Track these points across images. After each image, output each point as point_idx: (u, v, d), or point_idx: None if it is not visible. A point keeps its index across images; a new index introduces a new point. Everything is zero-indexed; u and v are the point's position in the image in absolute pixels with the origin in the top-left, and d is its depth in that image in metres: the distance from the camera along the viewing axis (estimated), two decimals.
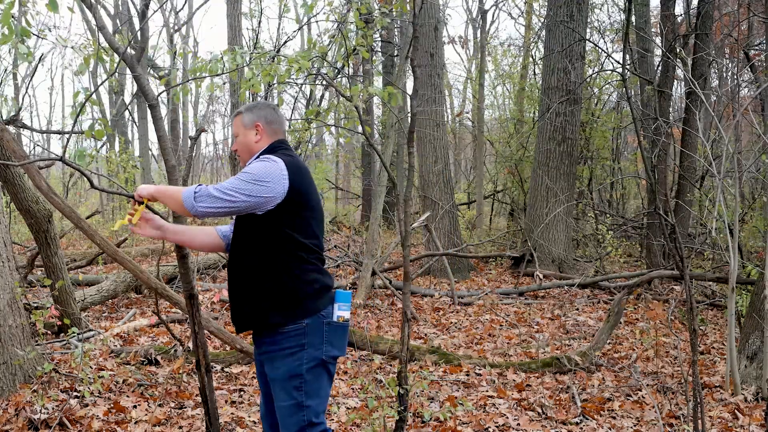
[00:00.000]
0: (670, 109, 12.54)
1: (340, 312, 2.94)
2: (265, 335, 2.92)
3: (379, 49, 15.77)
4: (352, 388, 5.41)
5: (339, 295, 2.96)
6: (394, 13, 5.16)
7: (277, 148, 3.02)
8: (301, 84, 17.49)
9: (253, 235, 2.88)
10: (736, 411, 4.89)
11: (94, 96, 3.47)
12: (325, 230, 17.17)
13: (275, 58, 4.94)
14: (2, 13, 3.07)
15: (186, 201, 2.77)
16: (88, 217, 12.48)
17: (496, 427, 4.63)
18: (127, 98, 22.94)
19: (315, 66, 5.19)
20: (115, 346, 6.35)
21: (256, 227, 2.87)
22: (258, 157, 2.98)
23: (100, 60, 3.47)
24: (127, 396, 5.00)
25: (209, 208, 2.74)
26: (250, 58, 4.64)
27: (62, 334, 6.68)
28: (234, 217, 2.95)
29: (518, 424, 4.68)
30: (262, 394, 3.12)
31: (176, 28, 22.22)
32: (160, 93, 4.12)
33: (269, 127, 3.05)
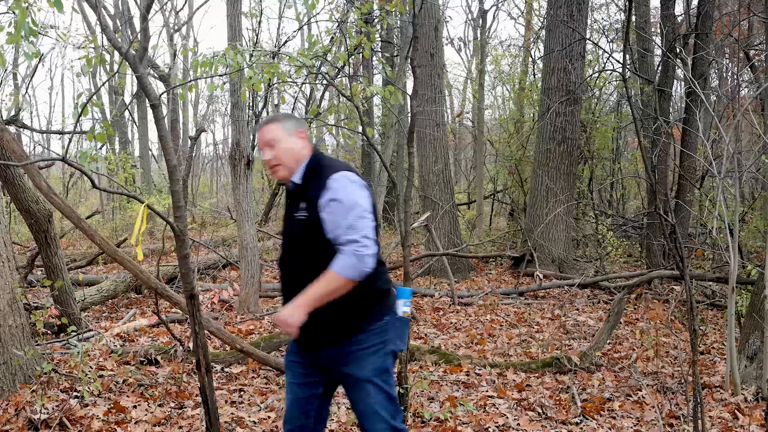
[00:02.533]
0: (670, 109, 12.54)
1: (405, 308, 3.01)
2: (343, 337, 2.90)
3: (379, 50, 15.76)
4: None
5: (402, 292, 3.02)
6: (394, 13, 5.16)
7: (323, 156, 2.97)
8: (302, 84, 17.51)
9: (323, 250, 2.81)
10: (736, 411, 4.89)
11: (95, 97, 3.47)
12: None
13: (276, 57, 4.95)
14: (19, 13, 3.07)
15: (350, 275, 2.71)
16: (88, 217, 12.50)
17: (496, 427, 4.63)
18: (127, 98, 22.94)
19: (316, 65, 5.19)
20: (115, 346, 6.35)
21: (324, 244, 2.81)
22: (313, 172, 2.89)
23: (102, 61, 3.47)
24: (127, 396, 5.00)
25: (373, 258, 2.72)
26: (251, 56, 4.64)
27: (62, 334, 6.68)
28: (300, 232, 2.87)
29: (518, 424, 4.68)
30: (294, 401, 3.03)
31: (176, 28, 22.22)
32: (162, 93, 4.12)
33: (307, 135, 3.00)
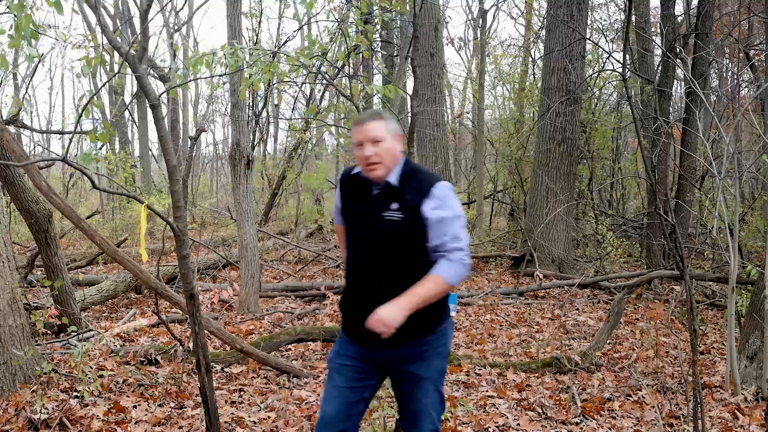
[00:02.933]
0: (671, 109, 12.54)
1: (453, 312, 3.13)
2: (416, 338, 2.94)
3: (379, 50, 15.77)
4: None
5: (451, 296, 3.08)
6: (394, 13, 5.16)
7: (413, 162, 3.03)
8: (302, 83, 17.51)
9: (414, 252, 2.89)
10: (736, 411, 4.89)
11: (95, 98, 3.47)
12: (327, 230, 17.08)
13: (275, 56, 4.94)
14: (24, 18, 3.06)
15: (455, 282, 2.84)
16: (88, 217, 12.50)
17: (496, 427, 4.63)
18: (127, 98, 22.95)
19: (315, 64, 5.19)
20: (115, 346, 6.35)
21: (413, 246, 2.89)
22: (410, 178, 2.93)
23: (102, 62, 3.47)
24: (127, 396, 5.00)
25: (469, 262, 2.89)
26: (250, 54, 4.63)
27: (62, 334, 6.68)
28: (374, 234, 2.92)
29: (518, 424, 4.68)
30: (344, 404, 2.99)
31: (176, 28, 22.22)
32: (162, 93, 4.12)
33: (402, 138, 3.03)
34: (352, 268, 3.01)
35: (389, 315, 2.74)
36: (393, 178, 2.92)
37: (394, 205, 2.88)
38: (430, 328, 2.93)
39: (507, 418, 4.78)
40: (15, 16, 3.10)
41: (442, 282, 2.80)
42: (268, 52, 4.90)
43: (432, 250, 2.86)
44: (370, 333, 2.85)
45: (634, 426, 4.70)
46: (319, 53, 4.98)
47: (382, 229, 2.89)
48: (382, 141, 2.89)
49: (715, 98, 14.37)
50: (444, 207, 2.84)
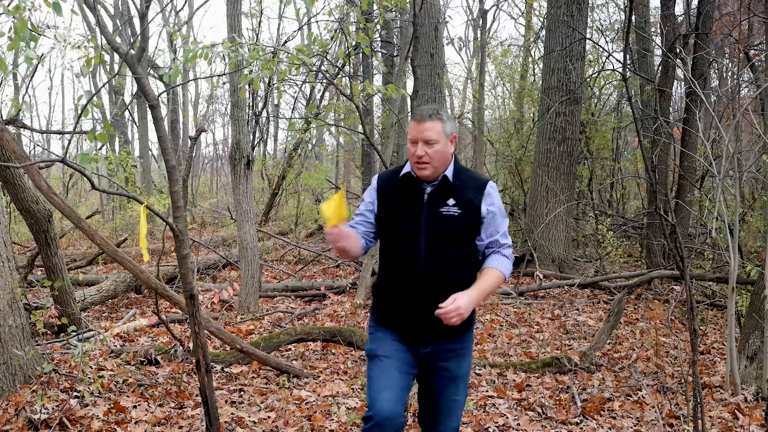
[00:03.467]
0: (670, 109, 12.54)
1: None
2: (458, 335, 3.04)
3: (380, 49, 15.77)
4: (352, 388, 5.41)
5: None
6: (394, 12, 5.16)
7: (460, 163, 3.11)
8: (302, 83, 17.50)
9: (466, 248, 3.00)
10: (736, 411, 4.89)
11: (95, 98, 3.47)
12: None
13: (276, 54, 4.94)
14: (19, 22, 3.06)
15: (507, 277, 3.02)
16: (88, 217, 12.50)
17: (496, 427, 4.63)
18: (127, 98, 22.95)
19: (316, 63, 5.19)
20: (115, 346, 6.35)
21: (467, 242, 3.00)
22: (464, 176, 3.05)
23: (102, 62, 3.47)
24: (127, 396, 5.00)
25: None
26: (250, 50, 4.63)
27: (62, 334, 6.68)
28: (430, 230, 2.96)
29: (518, 424, 4.68)
30: (397, 389, 3.00)
31: (176, 28, 22.22)
32: (161, 93, 4.11)
33: (456, 139, 3.09)
34: (398, 264, 3.01)
35: (466, 305, 2.80)
36: (450, 175, 2.99)
37: (451, 201, 2.96)
38: (466, 327, 3.02)
39: (507, 418, 4.78)
40: (14, 17, 3.10)
41: (501, 277, 2.96)
42: (268, 47, 4.90)
43: (484, 246, 3.01)
44: (416, 327, 2.97)
45: (634, 426, 4.70)
46: (320, 51, 4.98)
47: (438, 225, 2.95)
48: (436, 144, 2.93)
49: (715, 98, 14.36)
50: (499, 206, 3.01)
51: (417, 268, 2.94)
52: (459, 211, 2.94)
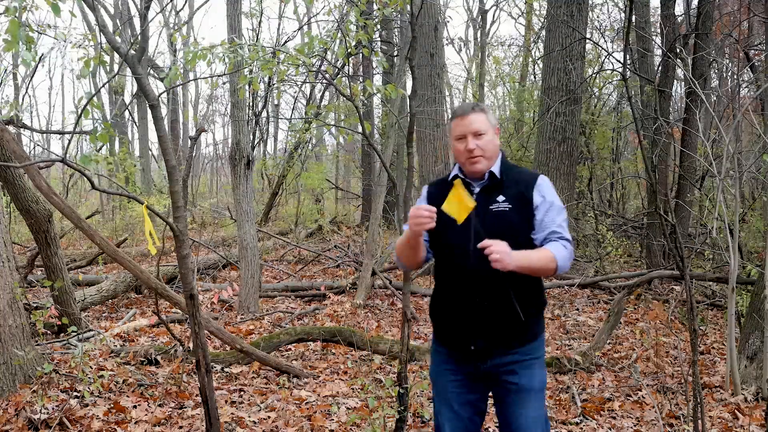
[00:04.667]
0: (670, 109, 12.53)
1: None
2: (519, 345, 2.85)
3: (379, 49, 15.77)
4: (353, 388, 5.41)
5: None
6: (394, 10, 5.15)
7: (507, 159, 2.99)
8: (302, 83, 17.49)
9: (522, 245, 2.76)
10: (736, 411, 4.89)
11: (95, 99, 3.47)
12: (326, 230, 17.03)
13: (275, 54, 4.93)
14: (10, 23, 3.06)
15: (561, 266, 2.73)
16: (88, 217, 12.50)
17: (497, 427, 4.63)
18: (127, 98, 22.96)
19: (315, 63, 5.18)
20: (115, 346, 6.35)
21: (520, 236, 2.79)
22: (512, 170, 2.92)
23: (101, 62, 3.47)
24: (127, 396, 5.00)
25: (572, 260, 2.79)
26: (250, 50, 4.62)
27: (62, 334, 6.68)
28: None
29: None
30: (460, 424, 2.95)
31: (176, 28, 22.23)
32: (161, 93, 4.12)
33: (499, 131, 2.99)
34: (450, 266, 2.90)
35: (506, 254, 2.62)
36: (497, 170, 2.87)
37: (501, 197, 2.83)
38: (532, 334, 2.84)
39: None
40: (15, 17, 3.10)
41: (552, 259, 2.70)
42: (268, 47, 4.89)
43: (541, 239, 2.79)
44: (470, 330, 2.82)
45: (634, 426, 4.70)
46: (320, 49, 4.97)
47: (491, 223, 2.80)
48: (485, 134, 2.85)
49: (715, 98, 14.35)
50: (552, 199, 2.82)
51: (468, 265, 2.81)
52: (509, 206, 2.81)
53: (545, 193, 2.82)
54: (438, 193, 2.95)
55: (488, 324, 2.79)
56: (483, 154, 2.84)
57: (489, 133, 2.86)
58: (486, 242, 2.64)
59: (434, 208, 2.73)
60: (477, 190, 2.88)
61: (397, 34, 15.23)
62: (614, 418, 4.86)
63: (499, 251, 2.61)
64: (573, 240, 2.78)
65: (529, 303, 2.81)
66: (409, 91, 5.18)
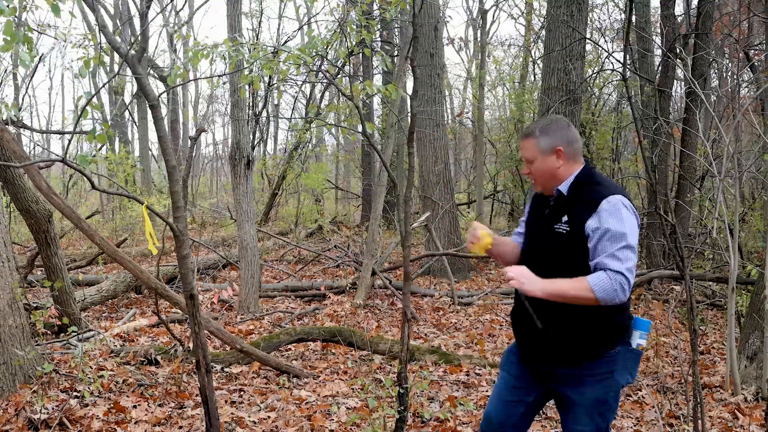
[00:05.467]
0: (670, 109, 12.53)
1: (640, 340, 2.86)
2: (569, 360, 2.85)
3: (379, 49, 15.77)
4: (353, 388, 5.41)
5: (639, 323, 2.87)
6: (394, 10, 5.14)
7: (595, 173, 2.88)
8: (302, 83, 17.50)
9: (578, 270, 2.72)
10: (736, 411, 4.89)
11: (95, 99, 3.47)
12: (326, 230, 17.03)
13: (276, 53, 4.93)
14: (5, 25, 3.06)
15: (602, 297, 2.62)
16: (87, 218, 12.50)
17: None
18: (127, 98, 22.96)
19: (316, 63, 5.17)
20: (115, 346, 6.35)
21: (575, 262, 2.75)
22: (582, 189, 2.82)
23: (101, 63, 3.47)
24: (127, 396, 5.00)
25: (628, 293, 2.64)
26: (251, 50, 4.62)
27: (62, 334, 6.68)
28: (546, 248, 2.86)
29: None
30: (498, 403, 3.06)
31: (176, 28, 22.22)
32: (161, 93, 4.12)
33: (571, 149, 2.85)
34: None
35: (530, 280, 2.69)
36: (564, 189, 2.84)
37: (564, 218, 2.79)
38: (588, 354, 2.79)
39: None
40: (15, 17, 3.11)
41: (588, 289, 2.62)
42: (269, 47, 4.89)
43: (593, 267, 2.69)
44: (532, 347, 2.91)
45: (634, 426, 4.70)
46: (321, 49, 4.97)
47: (550, 243, 2.83)
48: (534, 161, 2.85)
49: (715, 98, 14.35)
50: (608, 225, 2.65)
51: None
52: (567, 229, 2.77)
53: (603, 218, 2.67)
54: (536, 199, 3.08)
55: (534, 334, 2.86)
56: (536, 180, 2.89)
57: (538, 161, 2.84)
58: (506, 268, 2.75)
59: (477, 235, 3.03)
60: (551, 204, 2.91)
61: (396, 34, 15.24)
62: (614, 417, 4.86)
63: (516, 275, 2.69)
64: (631, 270, 2.61)
65: (586, 322, 2.76)
66: (409, 92, 5.17)
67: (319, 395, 5.25)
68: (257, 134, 16.15)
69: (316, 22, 16.77)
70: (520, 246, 3.09)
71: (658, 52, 12.05)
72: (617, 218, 2.66)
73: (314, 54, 4.81)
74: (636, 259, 2.66)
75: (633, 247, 2.65)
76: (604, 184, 2.80)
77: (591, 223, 2.69)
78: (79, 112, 3.34)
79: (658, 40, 13.01)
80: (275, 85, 12.96)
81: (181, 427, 4.51)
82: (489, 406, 3.09)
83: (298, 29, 13.53)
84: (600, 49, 12.93)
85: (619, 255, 2.61)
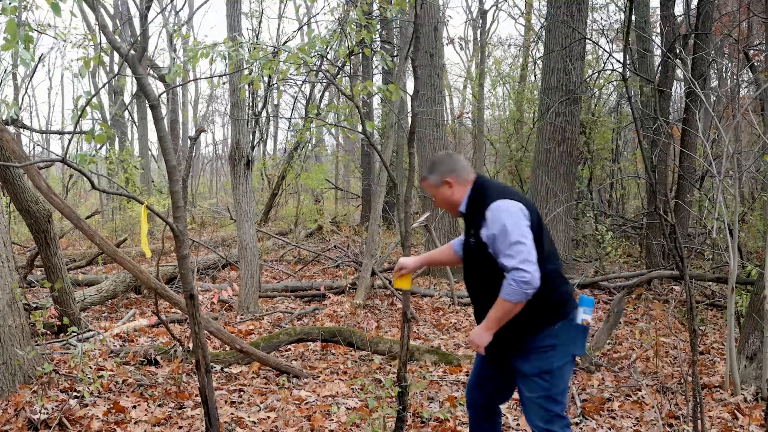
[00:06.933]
0: (670, 109, 12.53)
1: (584, 315, 3.20)
2: (520, 341, 3.20)
3: (380, 49, 15.77)
4: (352, 389, 5.41)
5: (583, 301, 3.23)
6: (395, 10, 5.14)
7: (482, 184, 3.23)
8: (302, 83, 17.49)
9: (493, 274, 3.10)
10: (735, 411, 4.89)
11: (94, 99, 3.47)
12: (326, 230, 16.97)
13: (277, 53, 4.93)
14: (7, 23, 3.06)
15: (516, 299, 2.99)
16: (87, 218, 12.50)
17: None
18: (127, 98, 22.95)
19: (316, 63, 5.16)
20: (115, 346, 6.35)
21: (492, 268, 3.11)
22: (474, 203, 3.19)
23: (100, 62, 3.47)
24: (127, 396, 5.00)
25: (534, 280, 2.95)
26: (251, 50, 4.62)
27: (62, 335, 6.68)
28: (477, 249, 3.15)
29: (518, 425, 4.68)
30: (477, 374, 3.46)
31: (176, 28, 22.21)
32: (161, 93, 4.11)
33: (457, 176, 3.24)
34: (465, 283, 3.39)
35: (477, 337, 3.15)
36: (463, 208, 3.25)
37: (472, 231, 3.18)
38: (528, 330, 3.13)
39: (507, 417, 4.78)
40: (16, 16, 3.10)
41: (504, 303, 3.01)
42: (269, 47, 4.89)
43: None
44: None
45: (634, 426, 4.70)
46: (321, 49, 4.97)
47: (469, 255, 3.25)
48: (435, 196, 3.32)
49: (714, 98, 14.35)
50: (494, 230, 3.02)
51: (472, 293, 3.33)
52: (473, 241, 3.15)
53: (490, 225, 3.03)
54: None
55: (500, 334, 3.20)
56: (444, 208, 3.36)
57: (438, 194, 3.29)
58: (468, 342, 3.38)
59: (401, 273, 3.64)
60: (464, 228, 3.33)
61: (396, 34, 15.24)
62: (614, 418, 4.86)
63: (472, 346, 3.21)
64: (526, 260, 2.94)
65: (524, 308, 3.06)
66: (409, 92, 5.17)
67: (318, 395, 5.24)
68: (257, 134, 16.13)
69: (316, 22, 16.77)
70: (460, 250, 3.49)
71: (658, 52, 12.06)
72: (500, 221, 3.00)
73: (314, 54, 4.81)
74: (529, 247, 2.96)
75: (521, 241, 2.96)
76: (490, 192, 3.15)
77: (484, 232, 3.07)
78: (78, 112, 3.34)
79: (657, 40, 13.02)
80: (275, 85, 12.96)
81: (180, 428, 4.51)
82: (469, 379, 3.53)
83: (298, 29, 13.53)
84: (600, 49, 12.93)
85: (510, 252, 2.96)
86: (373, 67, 17.95)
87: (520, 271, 2.92)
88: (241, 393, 5.32)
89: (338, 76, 14.68)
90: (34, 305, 6.51)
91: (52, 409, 4.50)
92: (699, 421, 3.93)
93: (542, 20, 16.19)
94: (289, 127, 20.83)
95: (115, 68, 20.11)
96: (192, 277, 3.74)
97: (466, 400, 3.58)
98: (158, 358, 5.96)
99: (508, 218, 2.99)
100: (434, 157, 3.33)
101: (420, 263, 3.62)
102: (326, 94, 20.21)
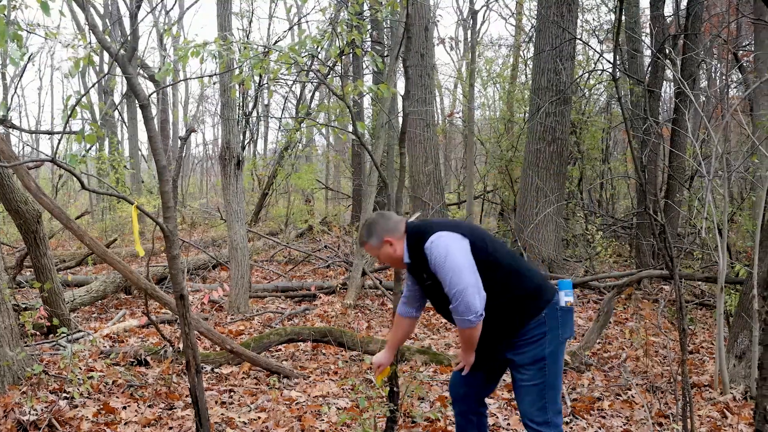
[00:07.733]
0: (660, 109, 12.59)
1: (567, 298, 3.31)
2: (510, 338, 3.33)
3: (370, 49, 15.76)
4: (343, 389, 5.41)
5: (561, 284, 3.35)
6: (386, 11, 5.15)
7: (412, 230, 3.35)
8: (292, 83, 17.46)
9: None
10: (724, 410, 4.92)
11: (84, 99, 3.45)
12: (317, 231, 16.96)
13: (268, 53, 4.91)
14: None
15: (467, 325, 3.13)
16: (77, 218, 12.45)
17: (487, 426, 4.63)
18: (117, 98, 22.87)
19: (307, 62, 5.15)
20: (105, 347, 6.32)
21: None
22: (414, 249, 3.30)
23: (90, 62, 3.45)
24: (117, 397, 4.98)
25: (480, 304, 3.08)
26: (240, 49, 4.60)
27: (51, 335, 6.65)
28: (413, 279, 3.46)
29: (508, 424, 4.69)
30: (467, 377, 3.52)
31: (166, 27, 22.14)
32: (152, 93, 4.10)
33: (392, 233, 3.36)
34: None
35: (463, 360, 3.40)
36: (407, 258, 3.34)
37: (424, 274, 3.27)
38: (515, 328, 3.26)
39: (497, 417, 4.79)
40: (5, 15, 3.09)
41: (461, 331, 3.19)
42: (260, 46, 4.87)
43: None
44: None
45: (624, 425, 4.71)
46: (312, 48, 4.95)
47: (429, 292, 3.39)
48: (379, 256, 3.44)
49: (704, 99, 14.43)
50: (434, 267, 3.17)
51: (446, 317, 3.42)
52: (430, 281, 3.27)
53: (432, 263, 3.17)
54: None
55: (484, 341, 3.36)
56: (389, 263, 3.48)
57: (380, 254, 3.41)
58: (459, 365, 3.49)
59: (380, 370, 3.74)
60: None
61: (387, 34, 15.24)
62: (604, 417, 4.88)
63: (464, 366, 3.44)
64: (463, 291, 3.06)
65: (495, 316, 3.20)
66: (400, 92, 5.16)
67: (309, 396, 5.24)
68: (247, 134, 16.11)
69: (306, 22, 16.74)
70: (411, 310, 3.66)
71: (648, 52, 12.11)
72: (436, 256, 3.14)
73: (305, 54, 4.80)
74: (465, 274, 3.08)
75: (457, 265, 3.09)
76: (422, 231, 3.28)
77: (431, 268, 3.19)
78: (68, 112, 3.33)
79: (647, 40, 13.07)
80: (266, 84, 12.94)
81: (171, 428, 4.50)
82: (452, 374, 3.61)
83: (289, 29, 13.50)
84: (590, 49, 12.97)
85: (452, 279, 3.08)
86: (364, 67, 17.94)
87: (462, 294, 3.05)
88: (232, 393, 5.31)
89: (329, 76, 14.67)
90: (24, 306, 6.48)
91: (42, 410, 4.48)
92: (688, 420, 3.95)
93: (533, 21, 16.22)
94: (279, 127, 20.79)
95: (105, 68, 20.02)
96: (182, 277, 3.74)
97: (450, 396, 3.66)
98: (148, 358, 5.95)
99: (442, 249, 3.14)
100: (368, 221, 3.44)
101: (392, 352, 3.72)
102: (317, 94, 20.19)
